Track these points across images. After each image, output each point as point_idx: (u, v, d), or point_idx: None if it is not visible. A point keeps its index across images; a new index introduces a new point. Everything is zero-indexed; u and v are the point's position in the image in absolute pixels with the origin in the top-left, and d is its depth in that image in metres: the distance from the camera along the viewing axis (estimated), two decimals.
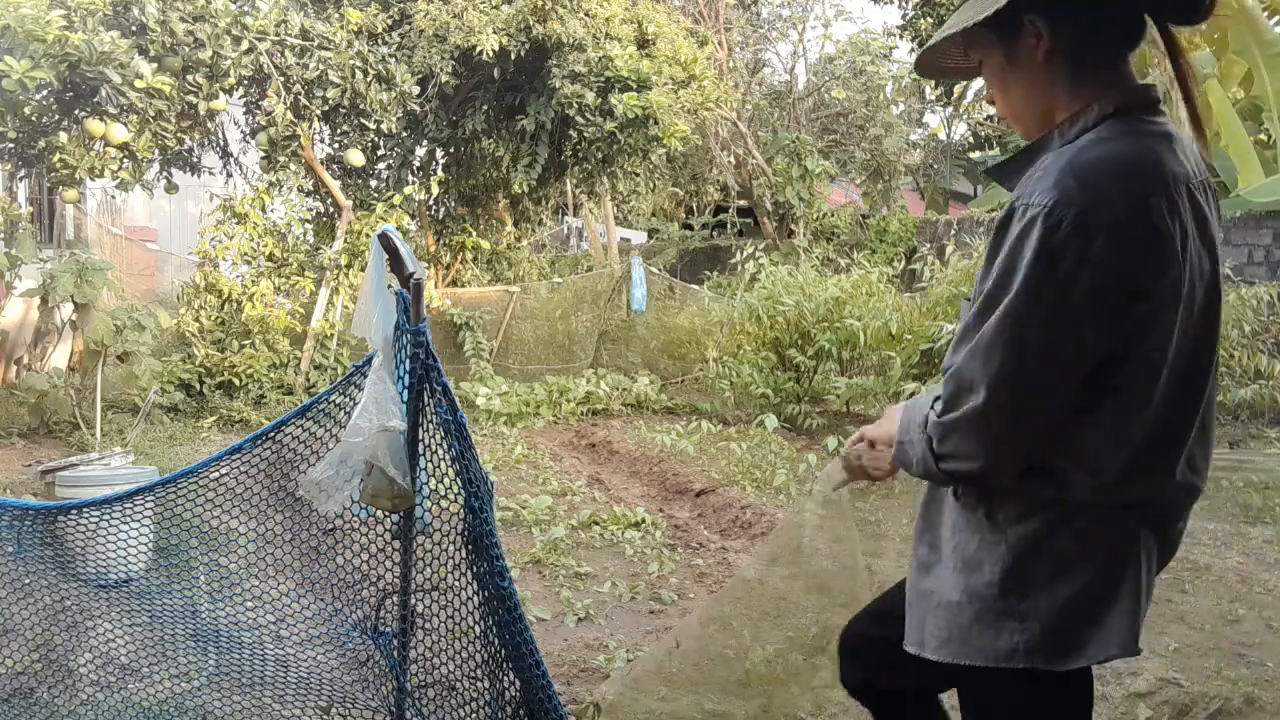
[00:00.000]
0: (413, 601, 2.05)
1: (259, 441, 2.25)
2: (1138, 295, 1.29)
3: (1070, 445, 1.36)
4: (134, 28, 7.66)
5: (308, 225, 10.31)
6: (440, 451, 1.94)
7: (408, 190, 9.76)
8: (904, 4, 19.06)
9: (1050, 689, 1.44)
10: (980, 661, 1.42)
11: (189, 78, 7.78)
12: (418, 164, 10.76)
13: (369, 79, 8.61)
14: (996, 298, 1.31)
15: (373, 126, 8.95)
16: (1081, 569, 1.37)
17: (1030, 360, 1.29)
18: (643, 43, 10.41)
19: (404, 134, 9.98)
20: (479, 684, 2.03)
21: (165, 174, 8.98)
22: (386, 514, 2.01)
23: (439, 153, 10.85)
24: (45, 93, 7.48)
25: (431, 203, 11.21)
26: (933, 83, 18.15)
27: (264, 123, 8.52)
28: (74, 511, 2.51)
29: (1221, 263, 1.42)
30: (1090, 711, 1.55)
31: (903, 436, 1.48)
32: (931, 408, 1.41)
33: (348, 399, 2.14)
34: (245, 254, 9.45)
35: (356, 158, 9.35)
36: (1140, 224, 1.28)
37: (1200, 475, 1.46)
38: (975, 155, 20.09)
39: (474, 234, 11.32)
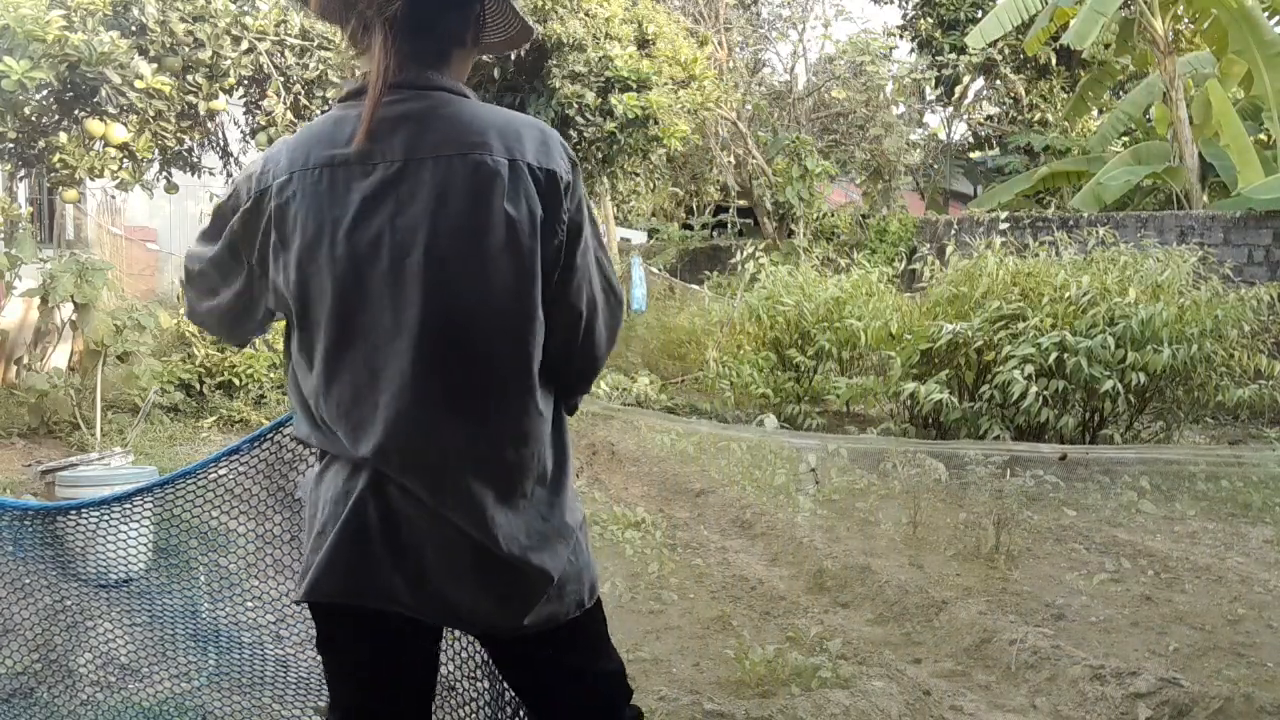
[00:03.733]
0: None
1: (257, 443, 2.25)
2: None
3: None
4: (134, 28, 7.66)
5: None
6: None
7: None
8: (904, 4, 19.05)
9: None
10: None
11: (189, 78, 7.78)
12: None
13: None
14: None
15: None
16: None
17: None
18: (643, 43, 10.41)
19: None
20: (479, 684, 2.03)
21: (165, 174, 8.98)
22: None
23: None
24: (45, 93, 7.48)
25: None
26: (933, 82, 18.16)
27: (264, 123, 8.51)
28: (73, 512, 2.51)
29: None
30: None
31: None
32: None
33: None
34: None
35: None
36: None
37: None
38: (975, 155, 20.08)
39: None
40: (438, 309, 1.41)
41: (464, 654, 2.04)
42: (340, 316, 1.43)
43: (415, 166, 1.41)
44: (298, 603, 1.53)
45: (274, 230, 1.46)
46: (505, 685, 1.94)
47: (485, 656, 1.98)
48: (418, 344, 1.41)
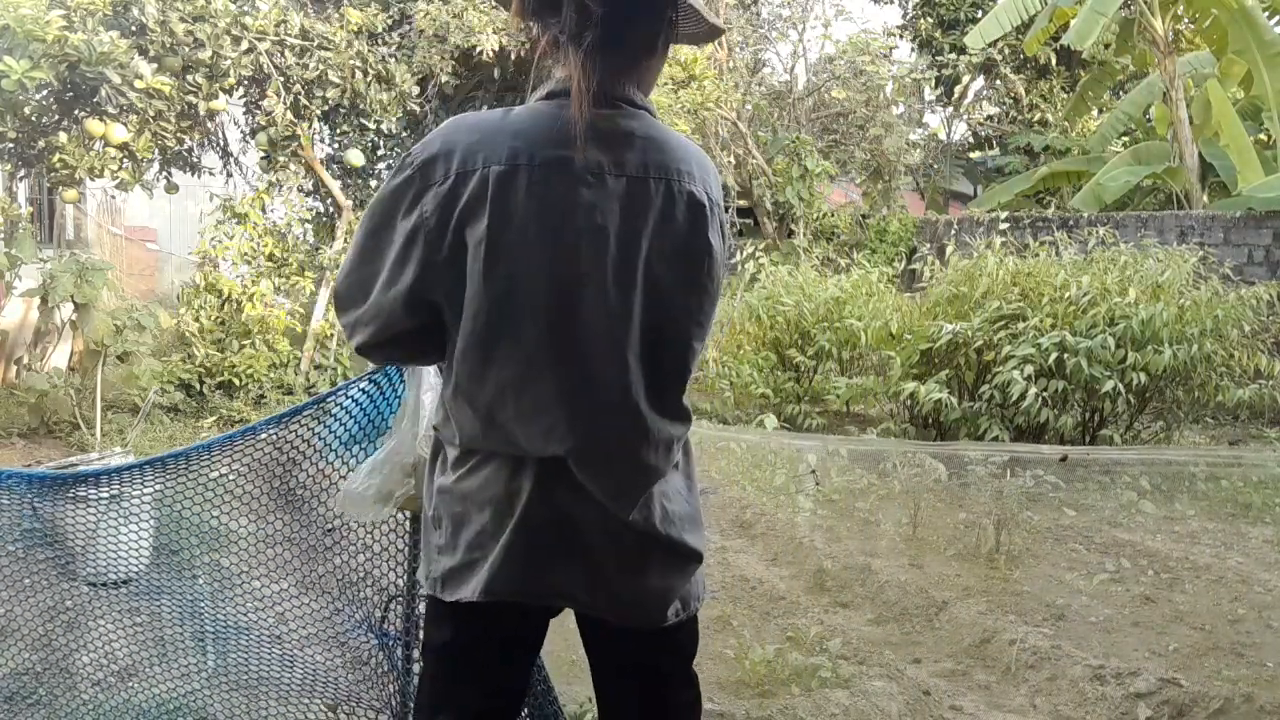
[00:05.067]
0: (419, 604, 2.05)
1: (249, 435, 2.25)
2: None
3: None
4: (134, 28, 7.66)
5: (308, 225, 10.31)
6: None
7: None
8: (904, 4, 19.05)
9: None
10: None
11: (189, 78, 7.78)
12: None
13: (369, 79, 8.61)
14: None
15: (373, 126, 8.95)
16: None
17: None
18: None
19: (404, 134, 9.98)
20: None
21: (165, 174, 8.98)
22: (402, 513, 2.02)
23: None
24: (45, 93, 7.47)
25: None
26: (933, 82, 18.15)
27: (264, 123, 8.51)
28: (74, 508, 2.51)
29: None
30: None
31: None
32: None
33: (351, 400, 2.14)
34: (245, 254, 9.45)
35: (356, 158, 9.35)
36: None
37: None
38: (975, 155, 20.08)
39: None
40: (649, 323, 1.48)
41: None
42: (549, 319, 1.46)
43: (641, 184, 1.46)
44: (470, 603, 1.53)
45: (480, 219, 1.44)
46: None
47: None
48: (628, 354, 1.47)
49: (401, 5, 9.65)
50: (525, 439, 1.47)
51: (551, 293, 1.45)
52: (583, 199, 1.44)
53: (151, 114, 7.63)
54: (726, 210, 1.57)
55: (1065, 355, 6.57)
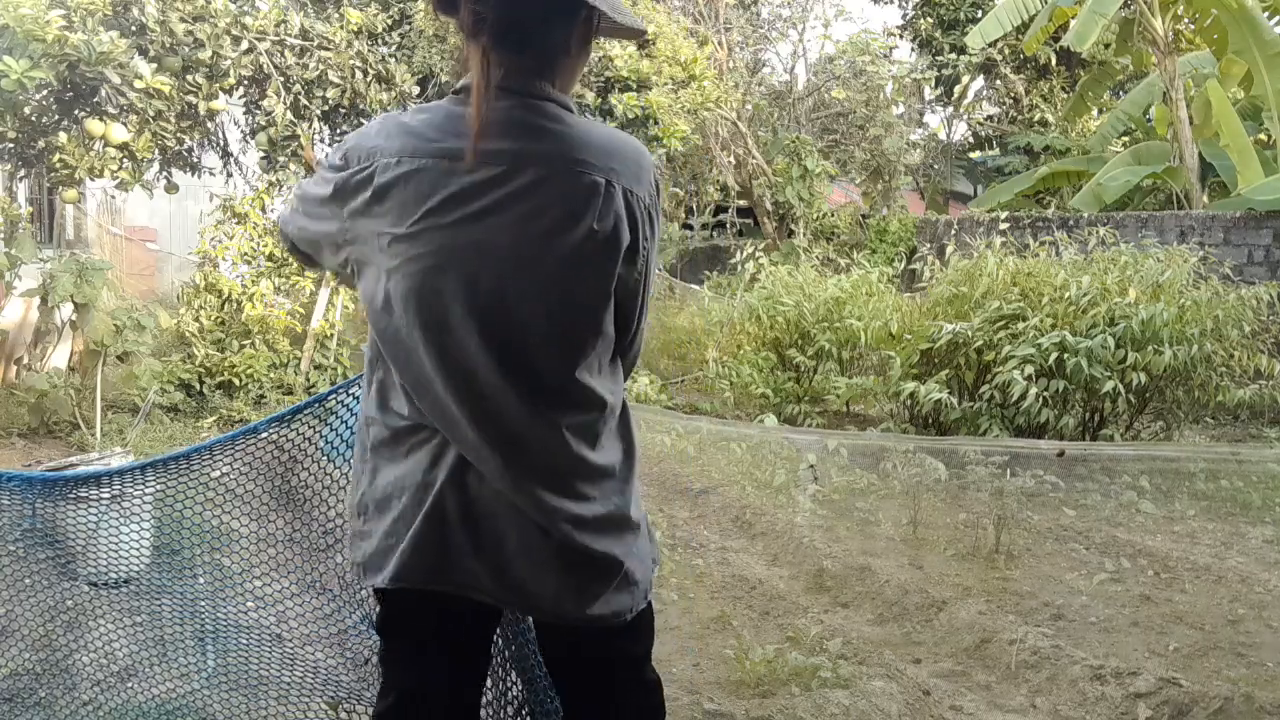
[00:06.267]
0: None
1: (250, 435, 2.25)
2: None
3: None
4: (134, 28, 7.65)
5: None
6: None
7: None
8: (904, 4, 19.05)
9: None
10: None
11: (189, 78, 7.77)
12: None
13: (369, 79, 8.61)
14: None
15: None
16: None
17: None
18: (643, 43, 10.41)
19: None
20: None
21: (165, 174, 8.97)
22: None
23: None
24: (45, 93, 7.47)
25: None
26: (933, 82, 18.15)
27: (264, 123, 8.51)
28: (74, 506, 2.51)
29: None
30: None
31: None
32: None
33: (352, 399, 2.14)
34: (245, 254, 9.45)
35: None
36: None
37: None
38: (975, 155, 20.09)
39: None
40: (519, 313, 1.46)
41: None
42: (428, 307, 1.47)
43: (518, 173, 1.45)
44: (379, 590, 1.59)
45: (376, 204, 1.50)
46: (509, 685, 1.95)
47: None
48: (494, 343, 1.46)
49: (401, 5, 9.65)
50: (448, 427, 1.50)
51: (426, 285, 1.46)
52: (456, 190, 1.45)
53: (151, 114, 7.63)
54: (658, 196, 1.50)
55: (1065, 355, 6.57)
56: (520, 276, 1.45)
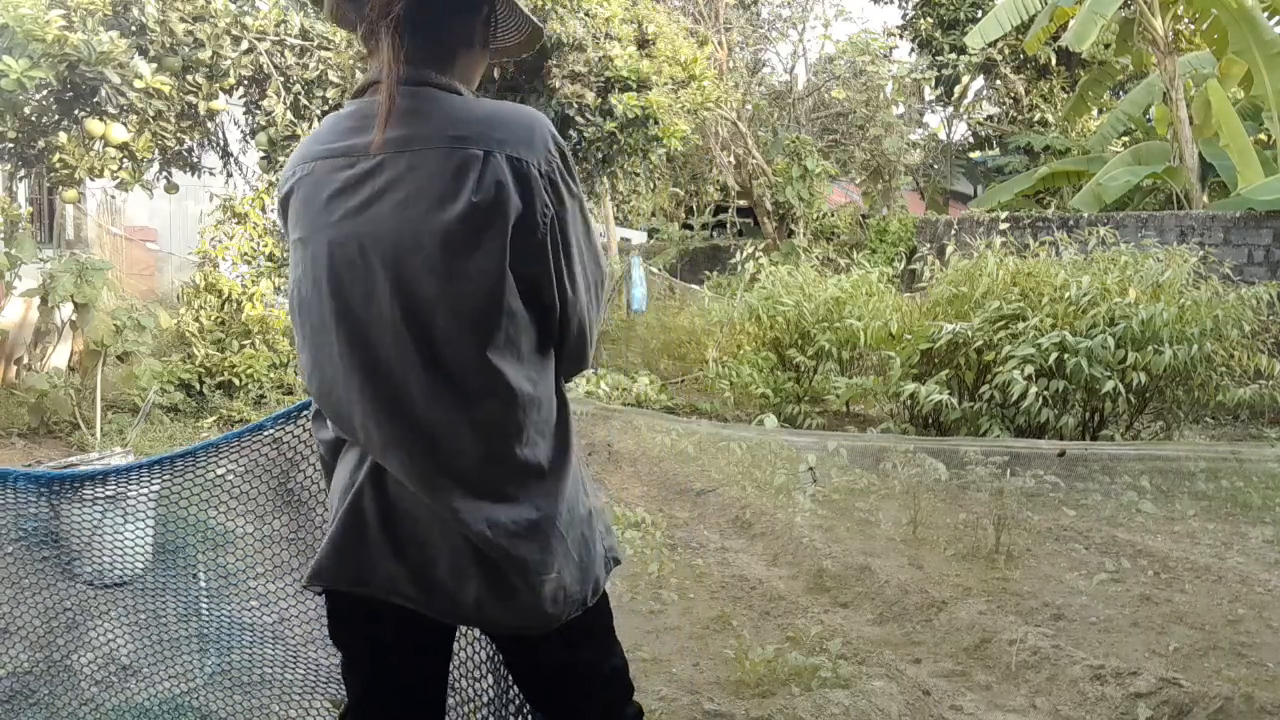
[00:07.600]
0: None
1: (254, 433, 2.25)
2: None
3: None
4: (133, 28, 7.65)
5: None
6: None
7: None
8: (904, 4, 19.06)
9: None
10: None
11: (189, 78, 7.77)
12: None
13: None
14: None
15: None
16: None
17: None
18: (643, 43, 10.40)
19: None
20: (480, 683, 2.03)
21: (165, 174, 8.97)
22: None
23: None
24: (45, 93, 7.47)
25: None
26: (933, 82, 18.16)
27: (264, 123, 8.51)
28: (75, 506, 2.51)
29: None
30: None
31: None
32: None
33: None
34: (245, 254, 9.45)
35: None
36: None
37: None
38: (975, 155, 20.09)
39: None
40: (405, 302, 1.42)
41: (466, 651, 2.04)
42: (324, 308, 1.48)
43: (392, 160, 1.44)
44: (304, 588, 1.62)
45: (286, 218, 1.56)
46: (510, 684, 1.95)
47: (489, 654, 1.98)
48: (387, 335, 1.44)
49: None
50: (352, 431, 1.50)
51: (321, 286, 1.48)
52: (337, 188, 1.46)
53: (151, 114, 7.63)
54: (569, 165, 1.44)
55: (1065, 355, 6.57)
56: (410, 262, 1.41)
